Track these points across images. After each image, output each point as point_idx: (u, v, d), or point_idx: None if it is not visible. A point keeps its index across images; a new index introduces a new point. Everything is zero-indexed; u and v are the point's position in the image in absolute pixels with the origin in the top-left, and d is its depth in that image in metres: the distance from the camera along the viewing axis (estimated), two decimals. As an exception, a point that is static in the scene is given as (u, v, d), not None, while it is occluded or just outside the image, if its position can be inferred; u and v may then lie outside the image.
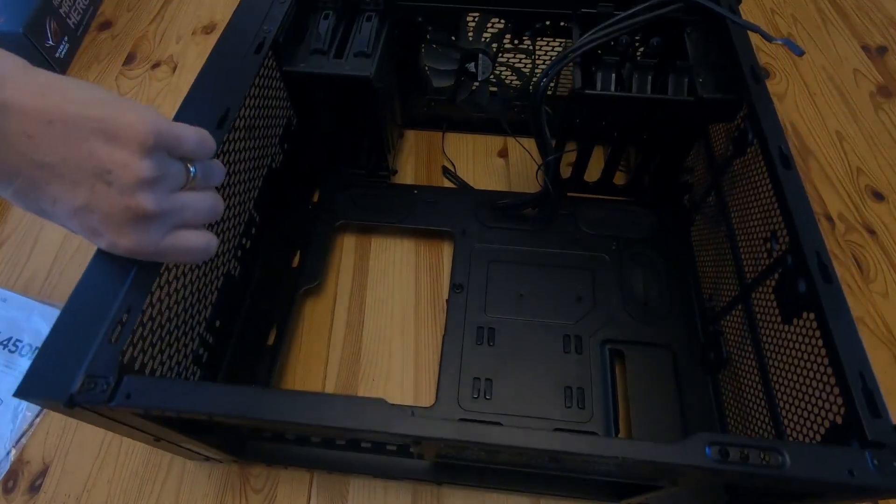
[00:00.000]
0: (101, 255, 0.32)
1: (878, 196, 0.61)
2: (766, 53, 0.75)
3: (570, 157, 0.58)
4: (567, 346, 0.51)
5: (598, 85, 0.48)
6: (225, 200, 0.39)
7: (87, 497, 0.45)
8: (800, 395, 0.36)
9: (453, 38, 0.55)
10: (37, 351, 0.51)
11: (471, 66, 0.55)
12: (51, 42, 0.70)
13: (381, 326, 0.54)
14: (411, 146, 0.66)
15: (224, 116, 0.39)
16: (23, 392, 0.28)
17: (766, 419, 0.39)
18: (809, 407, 0.34)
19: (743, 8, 0.52)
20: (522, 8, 0.53)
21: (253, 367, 0.49)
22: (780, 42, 0.42)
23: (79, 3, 0.75)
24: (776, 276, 0.40)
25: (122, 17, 0.80)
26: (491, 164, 0.65)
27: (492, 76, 0.56)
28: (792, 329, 0.37)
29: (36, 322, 0.53)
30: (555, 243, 0.57)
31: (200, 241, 0.33)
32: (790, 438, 0.36)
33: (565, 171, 0.59)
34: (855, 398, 0.30)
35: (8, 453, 0.47)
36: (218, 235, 0.41)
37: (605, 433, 0.46)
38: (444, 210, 0.59)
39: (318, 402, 0.29)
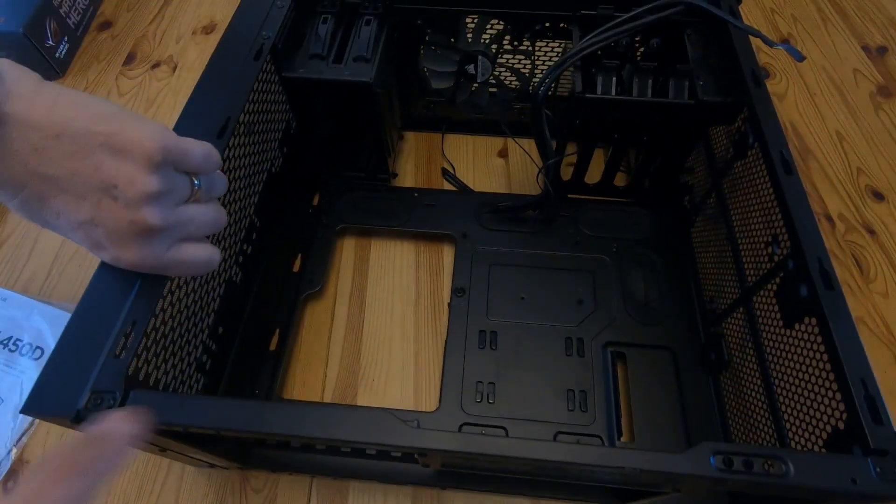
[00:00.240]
0: (105, 268, 0.32)
1: (878, 196, 0.61)
2: (766, 53, 0.74)
3: (570, 158, 0.58)
4: (569, 349, 0.51)
5: (599, 88, 0.48)
6: (226, 207, 0.39)
7: (88, 498, 0.45)
8: (801, 400, 0.36)
9: (452, 39, 0.55)
10: (37, 350, 0.52)
11: (470, 68, 0.55)
12: (51, 42, 0.69)
13: (382, 328, 0.54)
14: (411, 147, 0.66)
15: (224, 127, 0.39)
16: (29, 408, 0.28)
17: (769, 423, 0.39)
18: (811, 412, 0.35)
19: (743, 8, 0.52)
20: (522, 10, 0.53)
21: (256, 372, 0.49)
22: (781, 47, 0.42)
23: (79, 3, 0.75)
24: (777, 279, 0.40)
25: (122, 17, 0.80)
26: (491, 164, 0.65)
27: (491, 77, 0.56)
28: (793, 333, 0.37)
29: (36, 321, 0.53)
30: (555, 245, 0.57)
31: (203, 253, 0.33)
32: (792, 443, 0.36)
33: (566, 173, 0.59)
34: (857, 405, 0.30)
35: (9, 452, 0.47)
36: (219, 242, 0.42)
37: (607, 436, 0.46)
38: (444, 213, 0.59)
39: (326, 415, 0.29)
